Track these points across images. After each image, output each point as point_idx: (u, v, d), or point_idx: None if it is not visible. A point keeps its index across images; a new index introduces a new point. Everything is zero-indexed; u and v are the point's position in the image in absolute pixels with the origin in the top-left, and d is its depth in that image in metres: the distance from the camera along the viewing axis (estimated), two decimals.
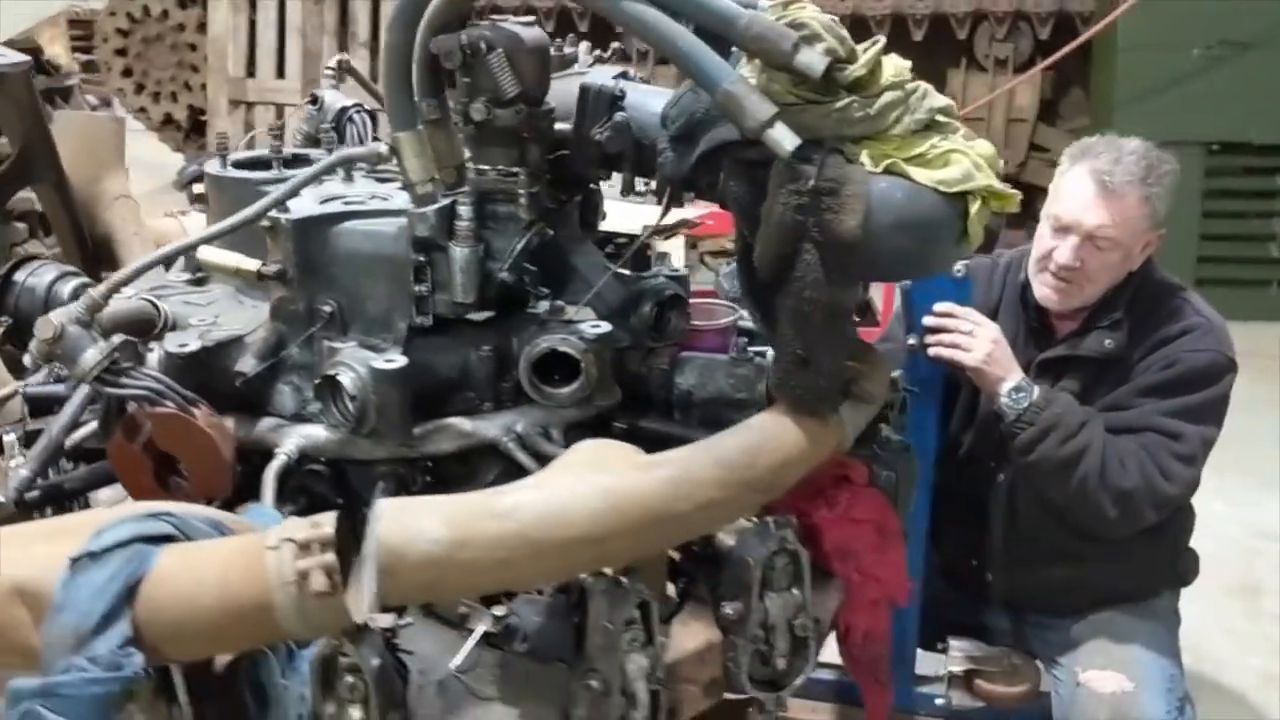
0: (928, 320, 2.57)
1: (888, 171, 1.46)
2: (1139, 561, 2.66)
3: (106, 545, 1.18)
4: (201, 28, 8.29)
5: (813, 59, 1.39)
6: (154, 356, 1.63)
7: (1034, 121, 7.23)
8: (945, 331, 2.54)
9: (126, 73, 8.61)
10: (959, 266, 2.60)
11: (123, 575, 1.16)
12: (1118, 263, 2.48)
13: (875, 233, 1.41)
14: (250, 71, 8.16)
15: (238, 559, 1.18)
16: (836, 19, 1.47)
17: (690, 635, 1.54)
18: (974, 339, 2.51)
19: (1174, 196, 2.52)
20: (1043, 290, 2.55)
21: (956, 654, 2.90)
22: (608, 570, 1.39)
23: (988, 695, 2.86)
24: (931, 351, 2.56)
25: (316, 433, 1.61)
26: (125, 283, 1.53)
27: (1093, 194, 2.43)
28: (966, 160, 1.49)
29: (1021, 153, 7.20)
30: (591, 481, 1.31)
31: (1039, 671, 2.84)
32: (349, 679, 1.31)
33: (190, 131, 8.46)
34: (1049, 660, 2.78)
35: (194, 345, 1.60)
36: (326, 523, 1.19)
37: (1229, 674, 3.61)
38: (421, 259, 1.60)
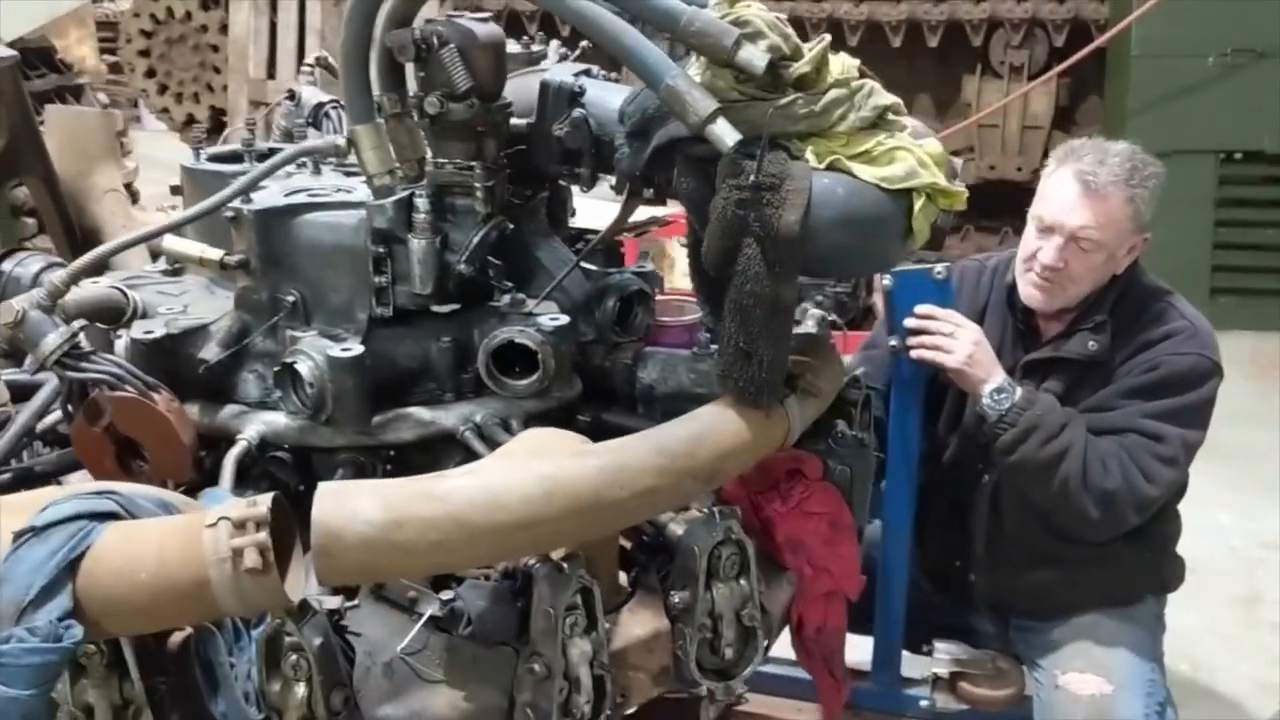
0: (909, 322, 2.58)
1: (831, 168, 1.48)
2: (1121, 565, 2.66)
3: (50, 521, 1.22)
4: (223, 29, 8.39)
5: (753, 55, 1.41)
6: (122, 344, 1.67)
7: (1049, 128, 7.21)
8: (927, 333, 2.55)
9: (150, 73, 8.72)
10: (939, 269, 2.62)
11: (64, 550, 1.20)
12: (1101, 264, 2.49)
13: (816, 228, 1.43)
14: (271, 73, 8.24)
15: (176, 536, 1.22)
16: (782, 18, 1.49)
17: (639, 623, 1.56)
18: (955, 340, 2.52)
19: (1158, 200, 2.51)
20: (1027, 290, 2.56)
21: (942, 656, 2.90)
22: (554, 556, 1.42)
23: (971, 698, 2.86)
24: (913, 354, 2.57)
25: (278, 420, 1.65)
26: (87, 268, 1.57)
27: (1076, 195, 2.43)
28: (911, 158, 1.51)
29: (1036, 159, 7.17)
30: (528, 468, 1.33)
31: (1024, 675, 2.84)
32: (293, 657, 1.34)
33: (211, 132, 8.55)
34: (1031, 663, 2.78)
35: (159, 332, 1.64)
36: (263, 502, 1.22)
37: (1224, 681, 3.59)
38: (381, 250, 1.63)
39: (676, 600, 1.54)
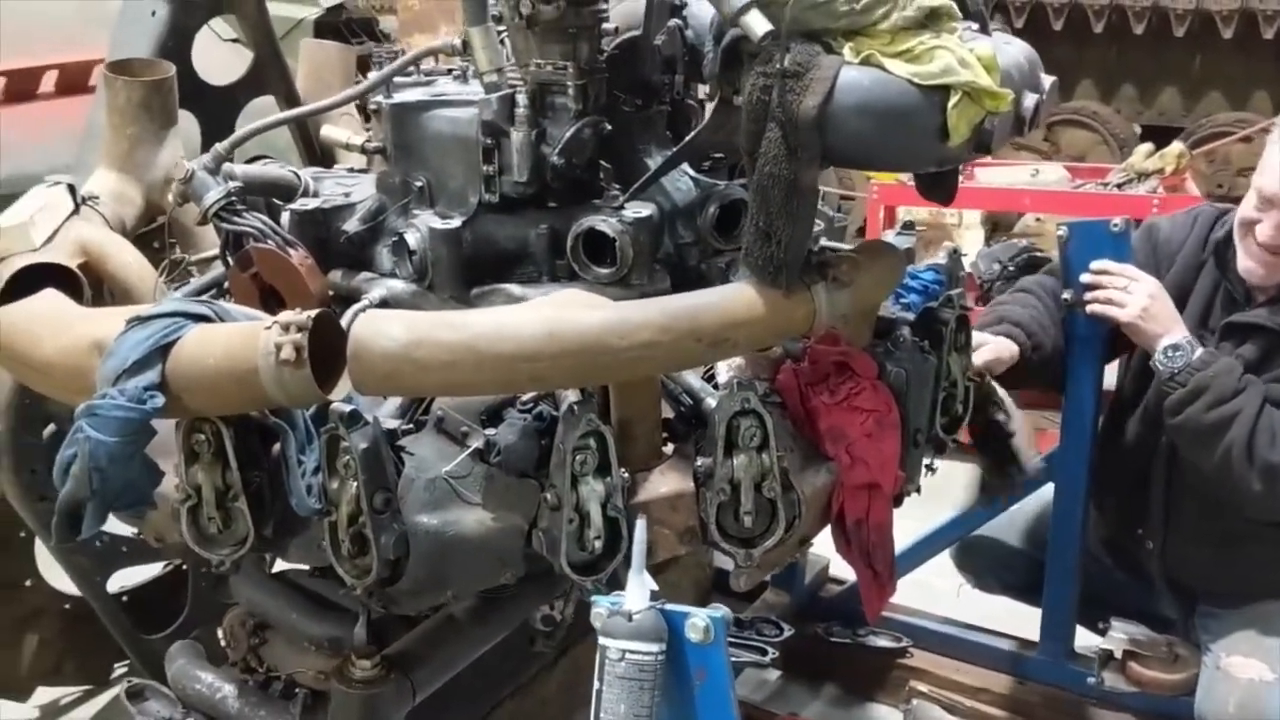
0: (1085, 277, 2.54)
1: (866, 62, 1.55)
2: None
3: (154, 313, 1.52)
4: None
5: None
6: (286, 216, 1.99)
7: None
8: (1102, 288, 2.50)
9: None
10: (1117, 221, 2.55)
11: (159, 335, 1.49)
12: None
13: (838, 115, 1.52)
14: None
15: (241, 334, 1.49)
16: None
17: (666, 482, 1.70)
18: (1129, 294, 2.45)
19: None
20: (1246, 263, 2.45)
21: (1117, 635, 2.80)
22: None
23: (1141, 679, 2.75)
24: (1088, 308, 2.53)
25: (397, 285, 1.90)
26: (243, 141, 1.89)
27: None
28: (951, 56, 1.55)
29: None
30: (539, 312, 1.51)
31: (1200, 663, 2.69)
32: (346, 458, 1.59)
33: None
34: (1206, 648, 2.64)
35: (312, 205, 1.94)
36: (313, 313, 1.47)
37: None
38: (489, 142, 1.85)
39: (700, 465, 1.67)
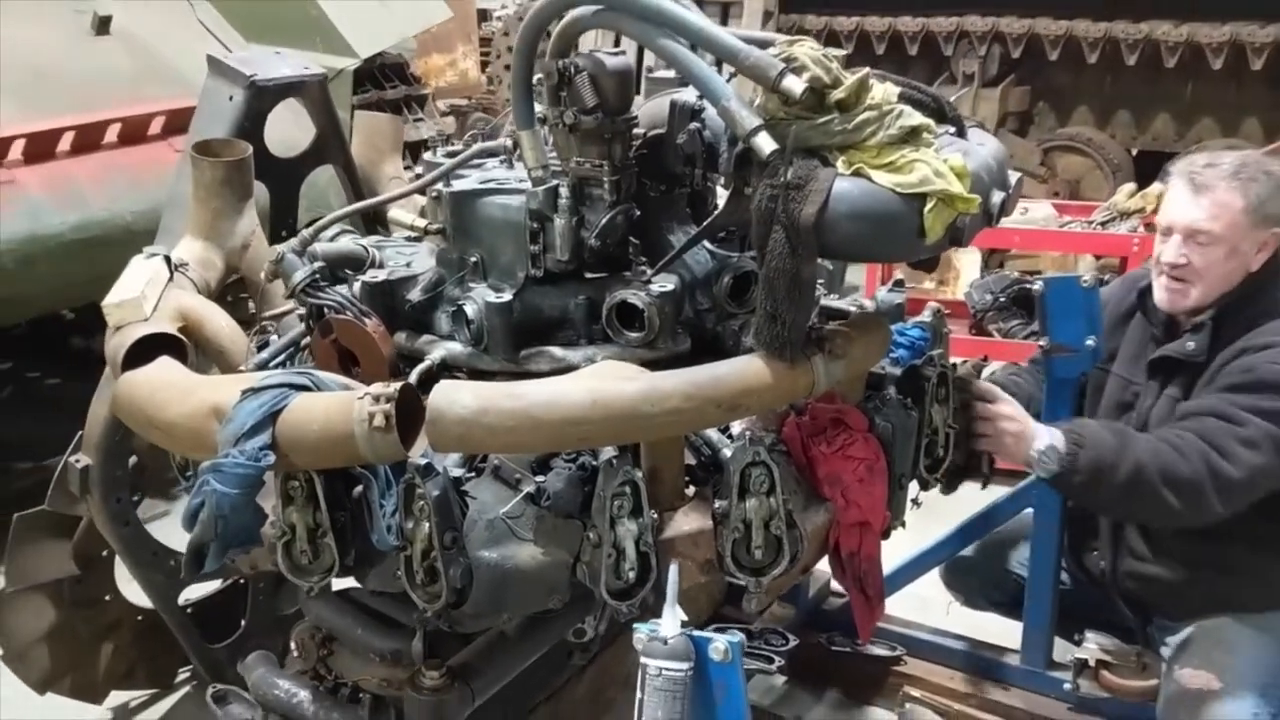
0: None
1: (856, 174, 1.85)
2: (1251, 574, 2.75)
3: (264, 385, 1.83)
4: None
5: (793, 84, 1.82)
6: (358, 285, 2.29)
7: None
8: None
9: None
10: (1087, 277, 2.85)
11: (269, 404, 1.80)
12: (1223, 259, 2.63)
13: (832, 220, 1.82)
14: None
15: (338, 403, 1.80)
16: (830, 54, 1.88)
17: (688, 521, 2.01)
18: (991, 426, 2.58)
19: None
20: (1159, 293, 2.75)
21: (1090, 645, 3.09)
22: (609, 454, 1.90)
23: (1112, 686, 3.04)
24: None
25: (455, 347, 2.20)
26: (326, 227, 2.20)
27: (1183, 192, 2.64)
28: (928, 168, 1.85)
29: None
30: (584, 383, 1.82)
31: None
32: (420, 503, 1.90)
33: None
34: (1164, 659, 2.93)
35: (381, 277, 2.25)
36: (396, 386, 1.78)
37: None
38: (535, 226, 2.16)
39: (717, 506, 1.97)
